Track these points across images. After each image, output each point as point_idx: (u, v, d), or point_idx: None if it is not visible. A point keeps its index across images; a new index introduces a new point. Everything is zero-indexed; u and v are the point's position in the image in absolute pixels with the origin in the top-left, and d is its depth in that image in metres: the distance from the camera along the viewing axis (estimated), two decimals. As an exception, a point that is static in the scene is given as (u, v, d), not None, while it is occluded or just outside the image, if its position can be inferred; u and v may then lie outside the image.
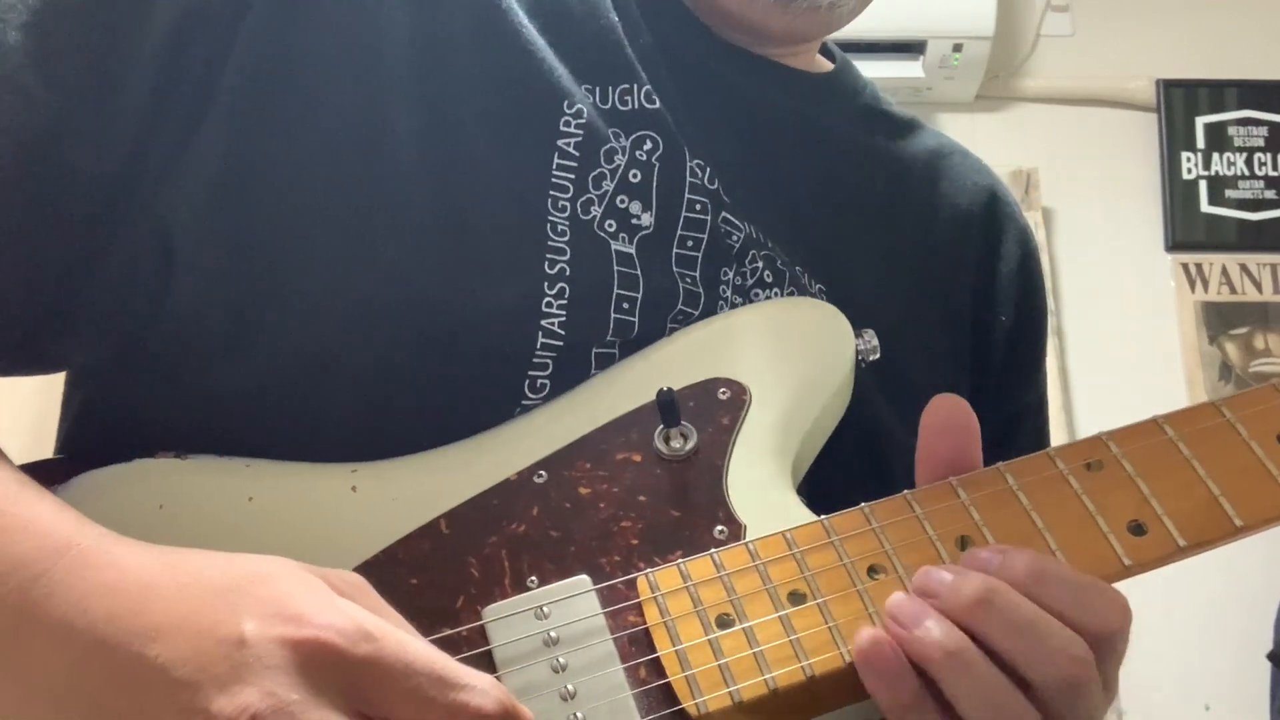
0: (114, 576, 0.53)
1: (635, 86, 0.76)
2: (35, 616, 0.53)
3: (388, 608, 0.56)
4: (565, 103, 0.73)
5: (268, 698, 0.48)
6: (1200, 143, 2.63)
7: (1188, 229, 2.59)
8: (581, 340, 0.71)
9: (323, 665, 0.49)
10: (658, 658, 0.60)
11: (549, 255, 0.70)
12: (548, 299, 0.70)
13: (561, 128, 0.72)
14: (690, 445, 0.67)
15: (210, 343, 0.69)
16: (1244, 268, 2.57)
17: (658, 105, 0.76)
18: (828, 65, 0.91)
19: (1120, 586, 0.62)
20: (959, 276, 0.87)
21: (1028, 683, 0.57)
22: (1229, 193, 2.61)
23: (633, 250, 0.73)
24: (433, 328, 0.68)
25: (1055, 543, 0.62)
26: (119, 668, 0.51)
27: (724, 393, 0.70)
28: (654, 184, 0.74)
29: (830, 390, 0.72)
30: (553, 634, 0.61)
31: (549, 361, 0.70)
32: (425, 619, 0.58)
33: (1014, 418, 0.89)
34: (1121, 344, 2.49)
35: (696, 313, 0.74)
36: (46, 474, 0.62)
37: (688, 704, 0.58)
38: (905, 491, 0.65)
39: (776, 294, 0.77)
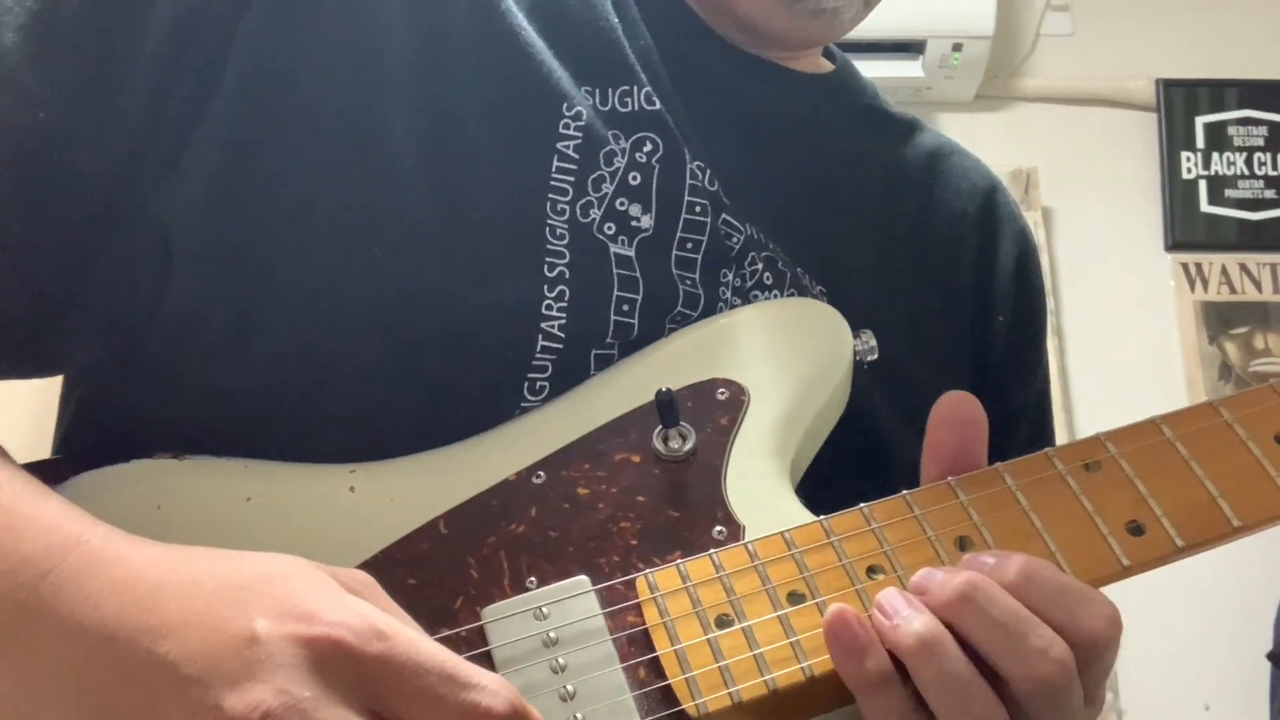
0: (123, 573, 0.53)
1: (635, 88, 0.76)
2: (44, 613, 0.53)
3: (397, 607, 0.56)
4: (564, 105, 0.73)
5: (280, 695, 0.48)
6: (1200, 142, 2.63)
7: (1187, 229, 2.59)
8: (581, 342, 0.71)
9: (334, 663, 0.49)
10: (657, 658, 0.60)
11: (548, 258, 0.71)
12: (547, 301, 0.70)
13: (561, 130, 0.72)
14: (689, 446, 0.67)
15: (209, 342, 0.69)
16: (1244, 267, 2.57)
17: (658, 107, 0.76)
18: (828, 66, 0.91)
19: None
20: (957, 276, 0.87)
21: (1004, 681, 0.56)
22: (1229, 192, 2.61)
23: (632, 253, 0.73)
24: (432, 329, 0.68)
25: (1054, 543, 0.62)
26: (129, 664, 0.50)
27: (722, 393, 0.70)
28: (654, 186, 0.74)
29: (828, 390, 0.72)
30: (552, 634, 0.61)
31: (548, 363, 0.70)
32: (424, 619, 0.58)
33: (1012, 416, 0.89)
34: (1121, 344, 2.49)
35: (696, 315, 0.74)
36: (44, 474, 0.62)
37: (687, 705, 0.58)
38: (904, 492, 0.65)
39: (776, 296, 0.77)
